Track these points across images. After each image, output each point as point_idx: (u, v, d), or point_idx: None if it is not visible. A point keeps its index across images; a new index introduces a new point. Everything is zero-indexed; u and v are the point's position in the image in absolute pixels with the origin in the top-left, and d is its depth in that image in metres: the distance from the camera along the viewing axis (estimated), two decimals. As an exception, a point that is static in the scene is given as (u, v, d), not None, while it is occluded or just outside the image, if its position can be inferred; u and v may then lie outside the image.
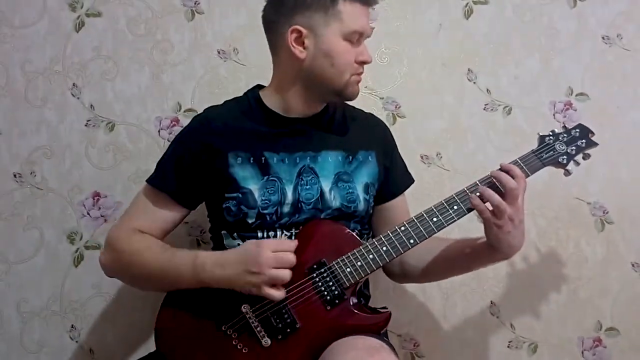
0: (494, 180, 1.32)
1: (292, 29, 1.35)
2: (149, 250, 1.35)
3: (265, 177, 1.38)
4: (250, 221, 1.37)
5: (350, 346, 1.23)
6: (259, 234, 1.38)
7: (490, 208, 1.29)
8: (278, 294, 1.24)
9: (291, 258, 1.25)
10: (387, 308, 1.37)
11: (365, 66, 1.40)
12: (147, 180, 1.45)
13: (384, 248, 1.32)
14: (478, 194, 1.31)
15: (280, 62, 1.42)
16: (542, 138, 1.42)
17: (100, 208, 1.82)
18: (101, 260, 1.43)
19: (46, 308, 1.82)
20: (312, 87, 1.39)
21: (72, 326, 1.83)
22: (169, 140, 1.79)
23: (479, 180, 1.34)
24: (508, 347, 1.86)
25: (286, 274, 1.24)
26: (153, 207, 1.42)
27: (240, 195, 1.37)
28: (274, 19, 1.39)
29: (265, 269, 1.22)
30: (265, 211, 1.37)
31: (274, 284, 1.24)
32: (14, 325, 1.82)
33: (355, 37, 1.36)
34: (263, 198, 1.36)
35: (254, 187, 1.37)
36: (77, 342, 1.83)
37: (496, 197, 1.28)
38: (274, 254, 1.23)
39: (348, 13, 1.33)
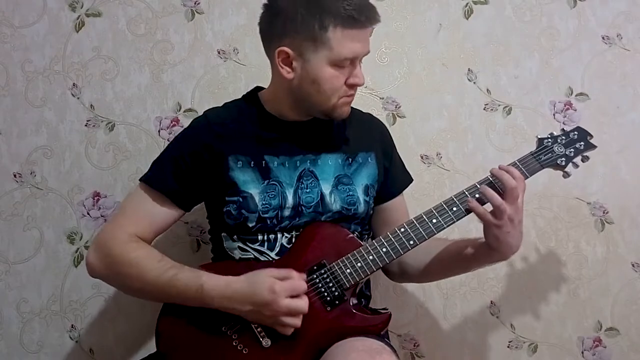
0: (494, 179, 1.32)
1: (280, 50, 1.32)
2: (148, 265, 1.32)
3: (266, 181, 1.38)
4: (250, 225, 1.37)
5: (351, 348, 1.23)
6: (260, 237, 1.38)
7: (490, 209, 1.29)
8: (293, 327, 1.26)
9: (305, 308, 1.25)
10: (387, 309, 1.37)
11: (365, 66, 1.39)
12: (142, 179, 1.43)
13: (384, 249, 1.32)
14: (478, 195, 1.32)
15: (274, 72, 1.41)
16: (540, 140, 1.42)
17: (100, 208, 1.82)
18: (89, 260, 1.38)
19: (46, 308, 1.82)
20: (301, 105, 1.39)
21: (72, 326, 1.83)
22: (168, 140, 1.79)
23: (478, 182, 1.34)
24: (508, 347, 1.86)
25: (295, 323, 1.25)
26: (148, 207, 1.41)
27: (240, 199, 1.37)
28: (267, 34, 1.37)
29: (279, 315, 1.24)
30: (266, 215, 1.36)
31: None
32: (14, 325, 1.82)
33: (346, 63, 1.32)
34: (264, 202, 1.36)
35: (255, 191, 1.37)
36: (77, 342, 1.83)
37: (497, 198, 1.28)
38: (287, 304, 1.24)
39: (338, 40, 1.28)
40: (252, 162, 1.39)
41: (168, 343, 1.35)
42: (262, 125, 1.43)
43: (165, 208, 1.41)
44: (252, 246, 1.39)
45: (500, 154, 1.83)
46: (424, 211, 1.34)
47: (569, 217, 1.86)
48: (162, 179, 1.41)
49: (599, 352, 1.86)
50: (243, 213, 1.36)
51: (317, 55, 1.30)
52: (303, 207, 1.39)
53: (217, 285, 1.28)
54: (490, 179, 1.33)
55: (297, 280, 1.27)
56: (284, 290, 1.24)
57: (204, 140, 1.41)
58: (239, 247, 1.39)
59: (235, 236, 1.40)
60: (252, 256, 1.38)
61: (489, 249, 1.34)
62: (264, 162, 1.39)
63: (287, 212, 1.38)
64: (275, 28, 1.33)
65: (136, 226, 1.39)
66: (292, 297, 1.24)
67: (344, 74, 1.33)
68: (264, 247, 1.38)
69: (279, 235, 1.38)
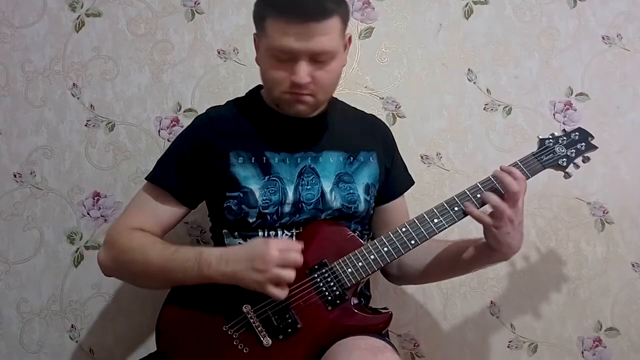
0: (496, 181, 1.32)
1: (253, 34, 1.37)
2: (151, 247, 1.33)
3: (267, 177, 1.39)
4: (251, 220, 1.37)
5: (353, 346, 1.23)
6: (260, 233, 1.38)
7: (490, 210, 1.29)
8: (281, 293, 1.24)
9: (298, 258, 1.24)
10: (388, 309, 1.37)
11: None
12: (147, 178, 1.44)
13: (385, 249, 1.32)
14: (479, 195, 1.32)
15: None
16: (541, 141, 1.42)
17: (100, 208, 1.82)
18: (100, 258, 1.40)
19: (46, 308, 1.82)
20: None
21: (72, 326, 1.83)
22: (169, 140, 1.79)
23: (479, 182, 1.34)
24: (508, 347, 1.86)
25: (291, 275, 1.23)
26: (153, 205, 1.42)
27: (241, 195, 1.37)
28: None
29: (270, 266, 1.22)
30: (266, 211, 1.37)
31: (278, 283, 1.23)
32: (14, 325, 1.82)
33: (283, 56, 1.29)
34: (264, 198, 1.37)
35: (255, 186, 1.37)
36: (77, 342, 1.83)
37: (498, 201, 1.28)
38: (280, 253, 1.23)
39: (272, 30, 1.28)
40: (253, 158, 1.40)
41: (168, 342, 1.34)
42: (264, 121, 1.43)
43: (169, 206, 1.42)
44: (253, 243, 1.39)
45: (500, 154, 1.83)
46: (425, 211, 1.34)
47: (569, 217, 1.86)
48: (166, 176, 1.42)
49: (599, 352, 1.86)
50: (243, 208, 1.36)
51: (262, 42, 1.33)
52: (303, 204, 1.39)
53: (215, 251, 1.29)
54: (491, 178, 1.33)
55: (288, 240, 1.30)
56: (276, 240, 1.27)
57: (205, 137, 1.42)
58: (239, 244, 1.39)
59: (235, 232, 1.40)
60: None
61: (490, 250, 1.34)
62: (264, 158, 1.40)
63: (287, 209, 1.38)
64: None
65: (141, 222, 1.40)
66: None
67: (286, 68, 1.31)
68: None
69: (279, 232, 1.39)
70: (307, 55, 1.28)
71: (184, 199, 1.42)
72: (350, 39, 1.40)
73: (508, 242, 1.31)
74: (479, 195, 1.33)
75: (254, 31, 1.37)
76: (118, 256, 1.37)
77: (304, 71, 1.29)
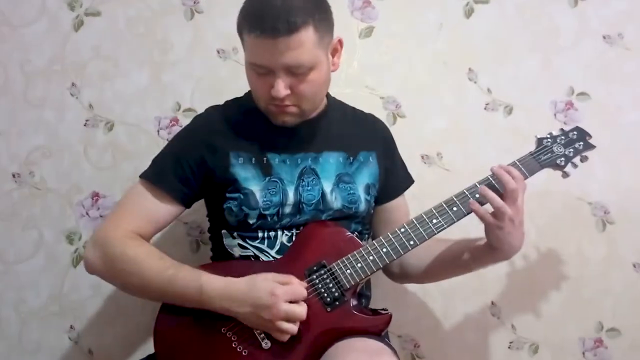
0: (495, 179, 1.32)
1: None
2: (148, 262, 1.31)
3: (267, 178, 1.38)
4: (251, 222, 1.37)
5: (351, 348, 1.23)
6: (260, 234, 1.38)
7: (491, 210, 1.29)
8: (285, 337, 1.26)
9: (303, 314, 1.25)
10: (387, 310, 1.37)
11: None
12: (141, 176, 1.43)
13: (384, 250, 1.32)
14: (477, 195, 1.31)
15: None
16: (539, 140, 1.42)
17: (99, 208, 1.81)
18: (88, 257, 1.37)
19: (45, 308, 1.82)
20: None
21: (71, 327, 1.82)
22: (168, 140, 1.78)
23: (478, 182, 1.34)
24: (509, 347, 1.86)
25: (292, 329, 1.24)
26: (147, 203, 1.40)
27: (241, 196, 1.36)
28: None
29: (276, 319, 1.23)
30: (267, 212, 1.36)
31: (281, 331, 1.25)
32: (13, 326, 1.82)
33: (261, 70, 1.30)
34: (264, 199, 1.36)
35: (256, 188, 1.37)
36: (76, 342, 1.82)
37: (497, 200, 1.28)
38: (286, 308, 1.23)
39: (248, 44, 1.30)
40: (254, 159, 1.39)
41: (166, 344, 1.34)
42: (264, 122, 1.42)
43: (165, 204, 1.40)
44: (252, 244, 1.39)
45: (500, 154, 1.80)
46: (424, 211, 1.34)
47: (570, 217, 1.85)
48: (163, 175, 1.41)
49: (600, 352, 1.85)
50: (244, 210, 1.36)
51: (244, 54, 1.34)
52: (304, 205, 1.39)
53: (217, 285, 1.27)
54: (490, 178, 1.33)
55: (298, 286, 1.26)
56: (284, 294, 1.23)
57: (204, 136, 1.41)
58: (238, 244, 1.39)
59: (235, 233, 1.40)
60: (252, 254, 1.38)
61: (491, 249, 1.34)
62: (265, 158, 1.40)
63: (287, 210, 1.38)
64: None
65: (135, 223, 1.38)
66: (291, 302, 1.24)
67: (266, 82, 1.31)
68: (264, 244, 1.38)
69: (279, 233, 1.38)
70: (282, 69, 1.28)
71: (180, 197, 1.41)
72: (340, 42, 1.39)
73: (509, 242, 1.31)
74: (477, 195, 1.32)
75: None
76: (110, 263, 1.34)
77: (280, 85, 1.29)
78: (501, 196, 1.29)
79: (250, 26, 1.27)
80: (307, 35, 1.27)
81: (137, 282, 1.32)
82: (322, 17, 1.31)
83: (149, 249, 1.35)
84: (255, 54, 1.29)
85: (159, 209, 1.40)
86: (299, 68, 1.29)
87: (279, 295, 1.23)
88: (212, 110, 1.50)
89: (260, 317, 1.24)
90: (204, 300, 1.27)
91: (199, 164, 1.40)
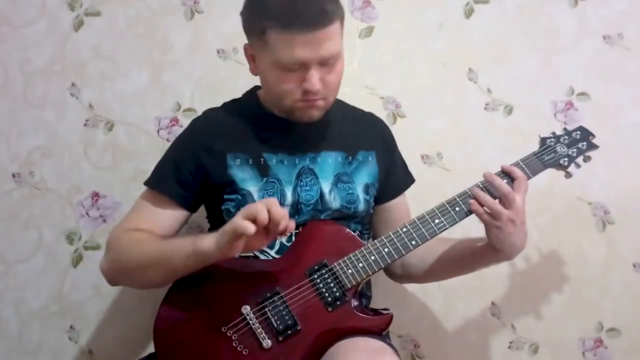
0: (484, 185, 1.32)
1: (244, 46, 1.36)
2: (147, 242, 1.32)
3: (265, 179, 1.38)
4: (249, 222, 1.36)
5: (352, 348, 1.23)
6: (259, 235, 1.37)
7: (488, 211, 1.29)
8: (249, 225, 1.15)
9: (254, 209, 1.16)
10: (388, 309, 1.36)
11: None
12: (145, 183, 1.44)
13: (386, 249, 1.31)
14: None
15: None
16: (543, 140, 1.42)
17: (99, 208, 1.81)
18: (101, 267, 1.40)
19: (45, 308, 1.81)
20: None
21: (71, 327, 1.82)
22: (168, 140, 1.78)
23: (480, 182, 1.34)
24: (509, 347, 1.86)
25: (264, 212, 1.16)
26: (153, 210, 1.41)
27: (239, 197, 1.36)
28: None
29: (252, 206, 1.17)
30: (265, 213, 1.36)
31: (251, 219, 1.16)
32: (13, 326, 1.81)
33: (293, 67, 1.28)
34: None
35: (253, 188, 1.37)
36: (76, 342, 1.82)
37: (490, 201, 1.29)
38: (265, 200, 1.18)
39: (276, 44, 1.26)
40: (251, 160, 1.39)
41: (167, 343, 1.33)
42: (261, 122, 1.42)
43: (169, 210, 1.40)
44: (252, 244, 1.38)
45: (500, 154, 1.81)
46: (426, 211, 1.34)
47: (570, 217, 1.85)
48: (163, 180, 1.41)
49: (600, 352, 1.85)
50: (242, 211, 1.35)
51: (263, 57, 1.31)
52: (302, 205, 1.38)
53: (210, 234, 1.24)
54: (480, 185, 1.33)
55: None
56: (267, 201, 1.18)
57: (202, 139, 1.41)
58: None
59: (234, 234, 1.39)
60: (251, 254, 1.37)
61: (493, 249, 1.34)
62: (262, 159, 1.39)
63: (286, 210, 1.37)
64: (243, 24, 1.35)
65: (140, 226, 1.38)
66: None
67: (296, 78, 1.30)
68: None
69: (279, 234, 1.38)
70: (317, 62, 1.28)
71: (184, 202, 1.41)
72: None
73: (511, 242, 1.31)
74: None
75: (247, 42, 1.36)
76: (117, 257, 1.36)
77: (315, 78, 1.28)
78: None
79: (282, 23, 1.24)
80: (337, 26, 1.29)
81: (141, 260, 1.30)
82: (342, 10, 1.32)
83: (147, 234, 1.36)
84: (288, 51, 1.26)
85: (163, 214, 1.40)
86: (331, 59, 1.29)
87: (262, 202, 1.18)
88: (209, 112, 1.50)
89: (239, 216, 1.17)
90: (196, 243, 1.22)
91: (197, 167, 1.40)
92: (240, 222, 1.15)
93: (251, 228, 1.14)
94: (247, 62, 1.39)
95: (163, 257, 1.29)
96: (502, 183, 1.29)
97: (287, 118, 1.40)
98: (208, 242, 1.22)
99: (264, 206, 1.16)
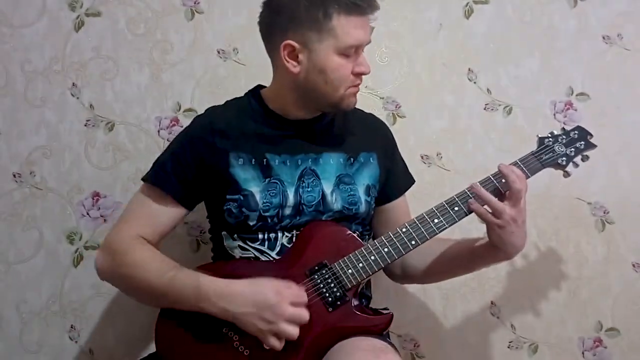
0: (497, 178, 1.33)
1: (285, 44, 1.32)
2: (149, 265, 1.31)
3: (267, 180, 1.38)
4: (251, 223, 1.36)
5: (355, 347, 1.23)
6: (260, 236, 1.38)
7: (490, 210, 1.29)
8: (280, 345, 1.23)
9: (307, 318, 1.23)
10: (388, 309, 1.37)
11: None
12: (144, 179, 1.44)
13: (386, 249, 1.32)
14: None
15: (277, 70, 1.40)
16: (541, 140, 1.42)
17: (99, 208, 1.81)
18: (97, 263, 1.40)
19: (46, 308, 1.82)
20: (308, 99, 1.38)
21: (72, 326, 1.82)
22: (168, 140, 1.78)
23: (480, 182, 1.34)
24: (508, 347, 1.86)
25: (295, 332, 1.22)
26: (152, 206, 1.41)
27: (241, 198, 1.36)
28: (270, 30, 1.37)
29: (280, 321, 1.21)
30: (267, 214, 1.36)
31: (279, 336, 1.23)
32: (14, 326, 1.81)
33: (352, 50, 1.32)
34: (264, 201, 1.36)
35: (256, 189, 1.37)
36: (76, 342, 1.82)
37: (493, 200, 1.29)
38: (291, 310, 1.22)
39: (343, 27, 1.29)
40: (253, 160, 1.39)
41: (167, 344, 1.34)
42: (264, 123, 1.43)
43: (168, 207, 1.41)
44: (253, 245, 1.38)
45: (500, 154, 1.82)
46: (425, 211, 1.34)
47: (570, 217, 1.86)
48: (164, 177, 1.41)
49: (599, 352, 1.86)
50: (244, 211, 1.36)
51: (322, 45, 1.31)
52: (304, 206, 1.38)
53: (216, 285, 1.26)
54: (492, 177, 1.33)
55: (301, 290, 1.26)
56: (290, 295, 1.23)
57: (204, 138, 1.41)
58: (239, 246, 1.39)
59: (235, 235, 1.39)
60: (252, 255, 1.38)
61: (493, 249, 1.34)
62: (265, 160, 1.39)
63: (288, 211, 1.37)
64: (277, 24, 1.34)
65: (140, 226, 1.39)
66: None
67: (350, 63, 1.33)
68: (264, 246, 1.38)
69: (280, 234, 1.38)
70: (366, 44, 1.36)
71: (182, 199, 1.41)
72: None
73: (512, 242, 1.31)
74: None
75: (286, 40, 1.32)
76: (117, 267, 1.36)
77: (366, 60, 1.36)
78: (502, 195, 1.30)
79: (350, 8, 1.29)
80: None
81: (140, 286, 1.32)
82: None
83: (152, 252, 1.35)
84: (354, 34, 1.31)
85: (162, 211, 1.41)
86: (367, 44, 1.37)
87: (285, 295, 1.22)
88: (212, 110, 1.50)
89: (262, 317, 1.21)
90: (201, 299, 1.25)
91: (198, 165, 1.40)
92: (292, 330, 1.22)
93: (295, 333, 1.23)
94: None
95: (165, 298, 1.30)
96: (516, 179, 1.29)
97: (279, 113, 1.42)
98: (213, 305, 1.25)
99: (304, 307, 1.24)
